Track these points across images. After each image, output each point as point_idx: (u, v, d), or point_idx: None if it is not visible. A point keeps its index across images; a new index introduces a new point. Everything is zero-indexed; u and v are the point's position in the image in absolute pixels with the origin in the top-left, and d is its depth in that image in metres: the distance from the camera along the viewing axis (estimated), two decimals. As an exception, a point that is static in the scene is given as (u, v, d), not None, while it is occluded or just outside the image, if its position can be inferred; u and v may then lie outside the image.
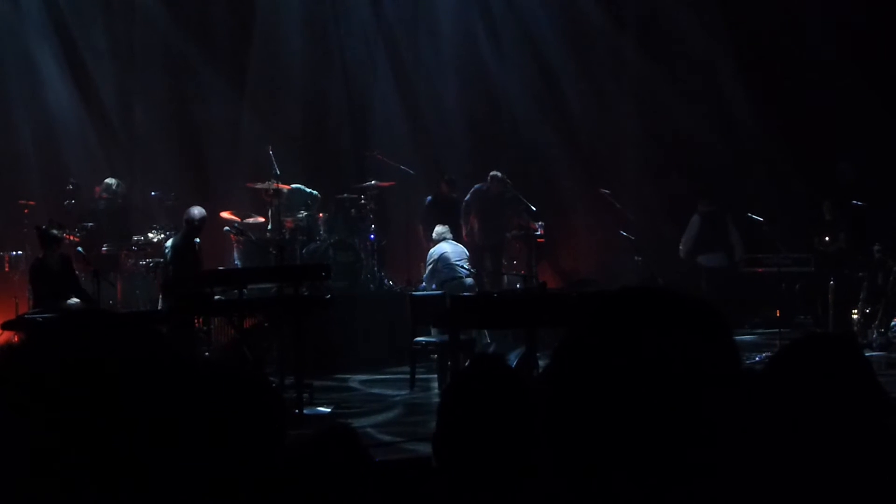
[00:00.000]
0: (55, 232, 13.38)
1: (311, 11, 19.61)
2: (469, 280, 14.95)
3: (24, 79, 17.98)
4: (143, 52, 18.74)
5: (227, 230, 16.12)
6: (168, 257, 14.11)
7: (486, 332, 14.08)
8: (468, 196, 17.79)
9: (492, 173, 17.59)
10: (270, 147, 16.44)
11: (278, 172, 16.31)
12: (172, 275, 13.72)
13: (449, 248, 15.50)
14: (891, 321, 15.61)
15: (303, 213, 16.54)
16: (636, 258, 17.80)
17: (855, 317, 15.90)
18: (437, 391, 13.33)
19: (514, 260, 17.32)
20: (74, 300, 12.83)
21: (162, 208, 16.90)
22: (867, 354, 2.42)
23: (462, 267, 15.16)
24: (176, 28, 18.83)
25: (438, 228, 15.82)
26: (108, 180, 16.88)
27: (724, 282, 17.27)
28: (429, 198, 17.70)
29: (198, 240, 14.32)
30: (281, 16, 19.45)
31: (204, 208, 14.52)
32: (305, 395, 11.73)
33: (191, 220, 14.00)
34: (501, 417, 3.21)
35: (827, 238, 16.89)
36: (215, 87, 18.92)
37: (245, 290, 12.12)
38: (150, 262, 15.49)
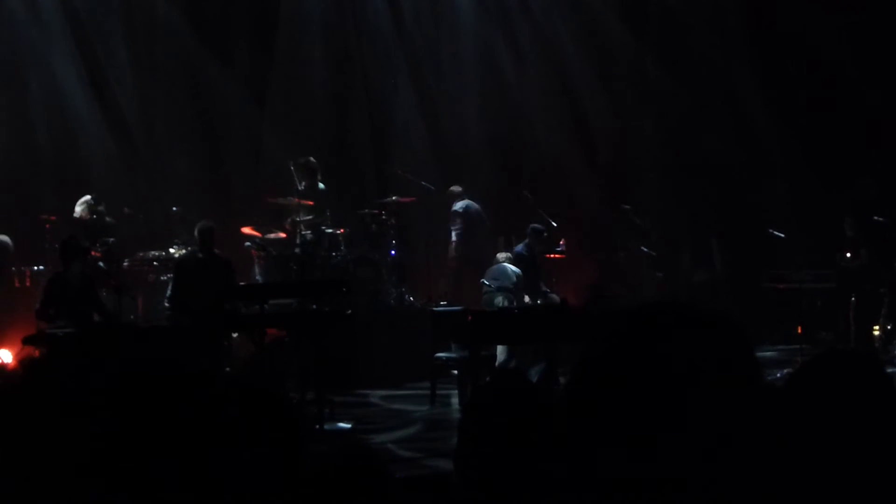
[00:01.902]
0: (78, 245, 13.35)
1: (333, 28, 19.65)
2: (497, 298, 14.73)
3: (45, 94, 18.03)
4: (164, 68, 18.80)
5: (249, 245, 16.13)
6: (173, 273, 13.98)
7: (498, 350, 13.93)
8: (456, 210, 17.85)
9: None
10: (292, 163, 16.51)
11: (300, 188, 16.35)
12: (172, 290, 13.65)
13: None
14: (912, 338, 15.56)
15: (324, 230, 16.53)
16: (657, 274, 17.77)
17: (876, 333, 15.83)
18: (457, 407, 13.31)
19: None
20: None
21: (183, 224, 16.86)
22: (889, 371, 2.40)
23: (488, 284, 14.98)
24: (198, 44, 18.88)
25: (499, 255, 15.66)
26: (87, 198, 16.51)
27: (705, 297, 17.12)
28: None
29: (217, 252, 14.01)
30: (303, 32, 19.49)
31: (223, 222, 14.42)
32: (326, 410, 11.74)
33: (195, 234, 13.91)
34: (522, 433, 3.20)
35: (848, 254, 16.79)
36: (237, 103, 18.97)
37: (266, 305, 12.11)
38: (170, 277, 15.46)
